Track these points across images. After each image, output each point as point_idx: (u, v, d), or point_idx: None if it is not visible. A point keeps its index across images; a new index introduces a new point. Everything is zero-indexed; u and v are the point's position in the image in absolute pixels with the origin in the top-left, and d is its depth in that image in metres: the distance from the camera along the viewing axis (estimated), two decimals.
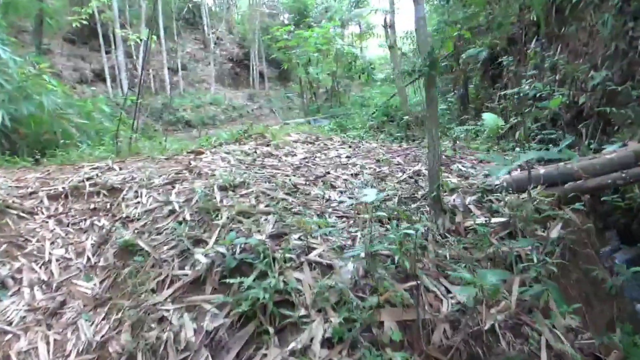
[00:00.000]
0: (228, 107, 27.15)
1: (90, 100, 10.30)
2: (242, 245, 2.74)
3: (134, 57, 24.15)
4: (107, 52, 23.27)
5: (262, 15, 33.19)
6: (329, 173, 4.46)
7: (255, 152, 5.30)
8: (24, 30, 22.70)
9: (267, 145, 5.79)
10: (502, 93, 7.13)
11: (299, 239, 2.85)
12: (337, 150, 5.83)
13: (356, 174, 4.39)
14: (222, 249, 2.76)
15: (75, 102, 7.62)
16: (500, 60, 8.02)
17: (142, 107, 22.49)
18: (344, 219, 3.30)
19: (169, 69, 26.73)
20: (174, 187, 3.97)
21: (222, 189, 3.76)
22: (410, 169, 4.40)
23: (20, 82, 6.52)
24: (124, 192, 3.97)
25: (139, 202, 3.79)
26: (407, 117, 8.12)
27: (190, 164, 4.65)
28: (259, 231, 2.94)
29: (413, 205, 3.52)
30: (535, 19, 6.76)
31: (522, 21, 7.54)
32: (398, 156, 5.10)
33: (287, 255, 2.64)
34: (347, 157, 5.18)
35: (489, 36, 8.63)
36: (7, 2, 21.81)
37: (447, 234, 3.07)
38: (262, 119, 28.87)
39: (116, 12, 21.88)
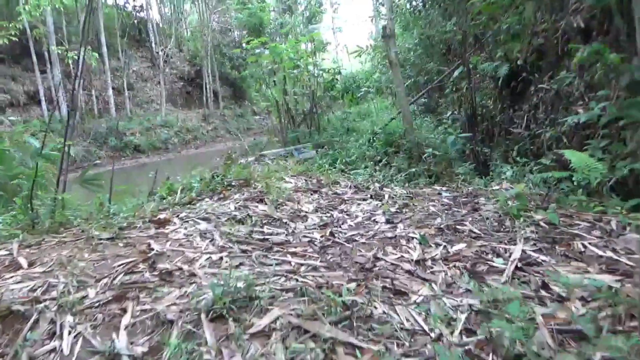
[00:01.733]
0: (181, 129, 25.03)
1: (10, 132, 8.16)
2: None
3: (70, 78, 21.64)
4: (42, 72, 20.72)
5: (213, 32, 31.37)
6: (377, 259, 2.80)
7: (249, 217, 3.55)
8: None
9: (261, 200, 4.06)
10: (552, 118, 5.73)
11: None
12: (357, 204, 4.18)
13: (425, 261, 2.74)
14: None
15: None
16: (522, 76, 6.71)
17: (84, 133, 20.06)
18: None
19: (113, 89, 24.35)
20: (124, 312, 2.18)
21: (216, 317, 2.03)
22: (510, 252, 2.81)
23: None
24: (30, 324, 2.14)
25: (54, 351, 1.98)
26: (414, 145, 6.64)
27: (151, 249, 2.86)
28: None
29: None
30: (582, 25, 5.46)
31: (551, 30, 6.24)
32: (461, 217, 3.53)
33: None
34: (387, 222, 3.52)
35: (501, 49, 7.32)
36: None
37: None
38: (219, 140, 26.87)
39: (51, 27, 19.50)
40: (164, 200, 4.22)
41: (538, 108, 6.40)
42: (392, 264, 2.75)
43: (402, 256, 2.86)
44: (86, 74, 22.16)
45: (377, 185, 5.13)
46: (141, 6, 28.91)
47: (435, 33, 10.69)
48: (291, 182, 4.86)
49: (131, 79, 26.92)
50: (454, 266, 2.69)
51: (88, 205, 4.00)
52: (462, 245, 2.95)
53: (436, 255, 2.85)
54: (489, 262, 2.70)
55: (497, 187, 4.52)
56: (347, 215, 3.81)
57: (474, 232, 3.16)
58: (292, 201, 4.11)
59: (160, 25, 33.56)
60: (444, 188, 4.96)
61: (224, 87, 32.20)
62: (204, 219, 3.51)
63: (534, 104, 6.50)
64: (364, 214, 3.82)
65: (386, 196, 4.49)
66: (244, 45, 9.60)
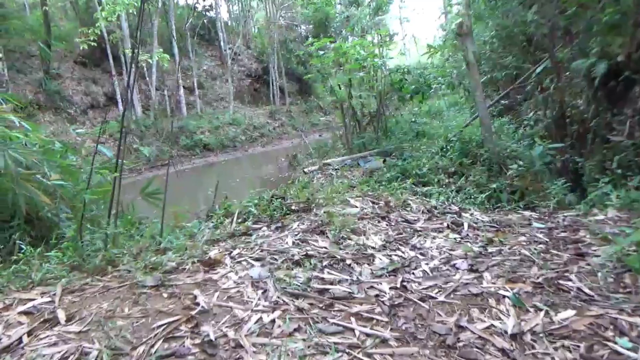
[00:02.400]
0: (248, 126, 25.28)
1: (80, 145, 8.34)
2: None
3: (146, 78, 22.52)
4: (119, 74, 21.70)
5: (279, 28, 31.40)
6: (461, 328, 2.29)
7: (308, 258, 3.14)
8: (33, 55, 21.30)
9: (322, 233, 3.65)
10: None
11: None
12: (432, 238, 3.64)
13: (523, 335, 2.20)
14: None
15: (56, 152, 5.46)
16: (625, 75, 5.77)
17: (157, 133, 20.80)
18: None
19: (184, 88, 25.07)
20: None
21: None
22: (638, 328, 2.20)
23: None
24: None
25: None
26: (494, 155, 5.91)
27: (196, 304, 2.54)
28: None
29: None
30: None
31: None
32: (563, 265, 2.92)
33: None
34: (470, 269, 2.97)
35: (596, 43, 6.37)
36: (9, 24, 20.51)
37: None
38: (285, 137, 26.91)
39: (126, 31, 20.28)
40: (218, 231, 3.92)
41: None
42: (480, 337, 2.23)
43: (491, 325, 2.32)
44: (159, 74, 22.96)
45: (453, 208, 4.54)
46: (210, 5, 29.52)
47: (514, 24, 9.69)
48: (356, 206, 4.40)
49: (201, 78, 27.60)
50: (563, 346, 2.12)
51: (141, 238, 3.78)
52: (570, 313, 2.35)
53: (536, 326, 2.28)
54: (609, 342, 2.10)
55: (601, 217, 3.78)
56: (421, 254, 3.29)
57: (584, 293, 2.54)
58: (356, 233, 3.65)
59: (229, 23, 34.20)
60: (535, 215, 4.27)
61: (291, 83, 32.23)
62: (257, 259, 3.15)
63: None
64: (440, 254, 3.28)
65: (465, 225, 3.91)
66: (309, 46, 9.03)
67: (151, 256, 3.22)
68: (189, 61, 25.71)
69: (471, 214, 4.33)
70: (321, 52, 8.99)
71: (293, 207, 4.32)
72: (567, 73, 6.79)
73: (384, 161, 7.14)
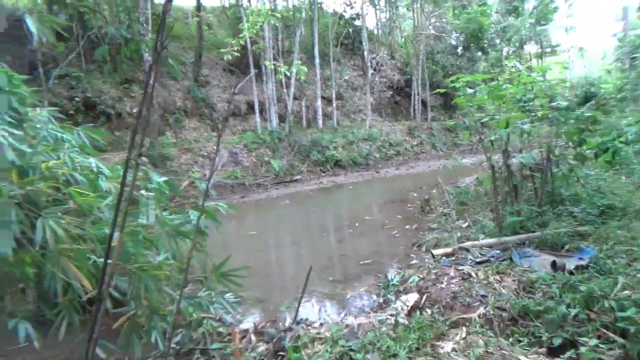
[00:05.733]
0: (384, 143, 23.68)
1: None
2: None
3: (283, 89, 22.25)
4: (261, 83, 21.84)
5: (427, 38, 29.19)
6: None
7: None
8: (185, 63, 22.44)
9: None
10: None
11: None
12: None
13: None
14: None
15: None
16: None
17: (289, 146, 20.31)
18: None
19: (323, 98, 24.41)
20: None
21: None
22: None
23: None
24: None
25: None
26: None
27: None
28: None
29: None
30: None
31: None
32: None
33: None
34: None
35: None
36: (170, 29, 21.80)
37: None
38: (423, 157, 24.71)
39: (268, 42, 20.16)
40: None
41: None
42: None
43: None
44: (299, 83, 22.58)
45: None
46: (357, 14, 28.56)
47: None
48: None
49: (341, 89, 26.79)
50: None
51: None
52: None
53: None
54: None
55: None
56: None
57: None
58: None
59: (375, 32, 33.00)
60: None
61: (434, 97, 29.84)
62: None
63: None
64: None
65: None
66: (453, 83, 6.74)
67: None
68: (330, 71, 25.03)
69: None
70: (469, 90, 6.76)
71: None
72: None
73: (554, 265, 4.67)
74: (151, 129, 16.37)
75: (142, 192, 4.62)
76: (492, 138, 6.46)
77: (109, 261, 2.34)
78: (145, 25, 17.23)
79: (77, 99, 16.27)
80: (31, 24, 4.03)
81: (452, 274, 4.71)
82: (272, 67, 18.99)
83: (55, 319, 3.59)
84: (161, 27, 1.91)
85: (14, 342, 4.05)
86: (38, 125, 4.42)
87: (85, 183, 4.09)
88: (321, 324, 4.07)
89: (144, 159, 5.29)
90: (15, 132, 3.58)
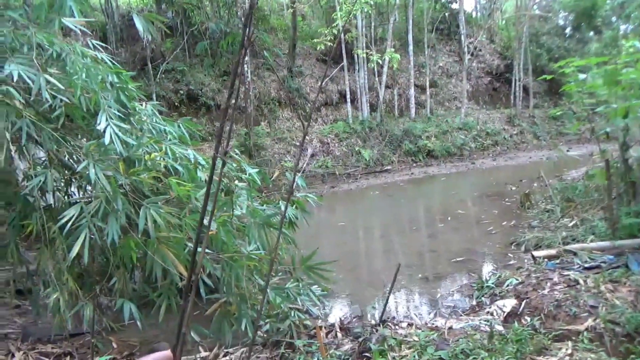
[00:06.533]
0: (480, 132, 22.48)
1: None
2: None
3: (375, 77, 21.91)
4: (353, 72, 21.76)
5: (531, 19, 26.97)
6: None
7: None
8: (280, 54, 22.99)
9: None
10: None
11: None
12: None
13: None
14: None
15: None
16: None
17: (380, 136, 20.06)
18: None
19: (416, 86, 23.71)
20: None
21: None
22: None
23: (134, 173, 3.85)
24: None
25: None
26: None
27: None
28: None
29: None
30: None
31: None
32: None
33: None
34: None
35: None
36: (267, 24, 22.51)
37: None
38: (523, 148, 23.07)
39: (361, 30, 19.94)
40: None
41: None
42: None
43: None
44: (391, 71, 22.14)
45: None
46: None
47: None
48: None
49: (435, 76, 25.84)
50: None
51: None
52: None
53: None
54: None
55: None
56: None
57: None
58: None
59: (473, 15, 31.28)
60: None
61: (538, 82, 27.61)
62: None
63: None
64: None
65: None
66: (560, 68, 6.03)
67: None
68: (424, 57, 24.20)
69: None
70: (581, 76, 6.02)
71: None
72: None
73: None
74: (247, 119, 17.06)
75: (236, 182, 4.77)
76: (608, 129, 5.77)
77: (199, 249, 2.40)
78: (243, 19, 17.90)
79: (181, 91, 17.43)
80: (138, 22, 4.27)
81: (555, 279, 4.30)
82: (364, 55, 18.77)
83: (157, 300, 3.84)
84: (248, 19, 1.89)
85: (119, 321, 4.42)
86: (143, 118, 4.74)
87: (184, 174, 4.32)
88: (409, 324, 3.93)
89: (236, 150, 5.46)
90: (123, 125, 3.85)
